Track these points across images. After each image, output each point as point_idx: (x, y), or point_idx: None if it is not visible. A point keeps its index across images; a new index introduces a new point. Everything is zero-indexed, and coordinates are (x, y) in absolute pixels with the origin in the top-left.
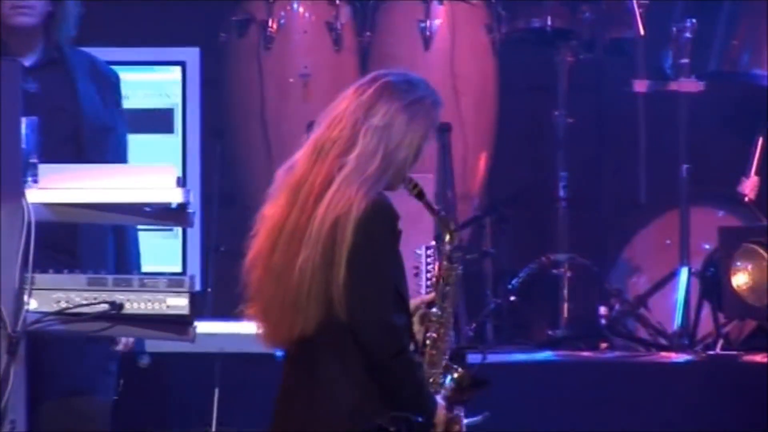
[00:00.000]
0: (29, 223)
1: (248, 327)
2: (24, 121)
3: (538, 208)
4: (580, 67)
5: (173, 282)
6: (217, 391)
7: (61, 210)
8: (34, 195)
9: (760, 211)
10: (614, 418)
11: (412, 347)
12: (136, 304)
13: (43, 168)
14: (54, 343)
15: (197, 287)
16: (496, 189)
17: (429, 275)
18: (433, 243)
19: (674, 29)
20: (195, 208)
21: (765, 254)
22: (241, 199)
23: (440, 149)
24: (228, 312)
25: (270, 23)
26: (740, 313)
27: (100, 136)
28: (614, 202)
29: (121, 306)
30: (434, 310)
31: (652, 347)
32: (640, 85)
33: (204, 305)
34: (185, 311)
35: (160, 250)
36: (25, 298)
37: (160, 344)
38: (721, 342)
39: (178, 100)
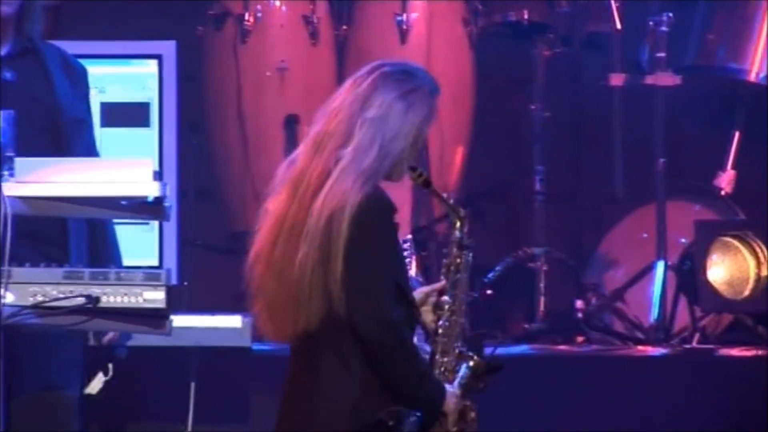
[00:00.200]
0: (5, 217)
1: (224, 321)
2: (1, 114)
3: (514, 202)
4: (557, 61)
5: (150, 276)
6: (193, 384)
7: (38, 204)
8: (10, 188)
9: (736, 204)
10: (590, 412)
11: (418, 337)
12: (112, 297)
13: (19, 162)
14: (26, 338)
15: (174, 281)
16: (473, 183)
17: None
18: (410, 236)
19: (651, 23)
20: (171, 201)
21: (741, 248)
22: (218, 192)
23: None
24: (204, 306)
25: (246, 17)
26: (717, 306)
27: (75, 128)
28: (591, 195)
29: (97, 299)
30: (446, 298)
31: (628, 341)
32: (617, 79)
33: (180, 299)
34: (162, 305)
35: (137, 244)
36: (2, 291)
37: (136, 338)
38: (697, 336)
39: (155, 93)
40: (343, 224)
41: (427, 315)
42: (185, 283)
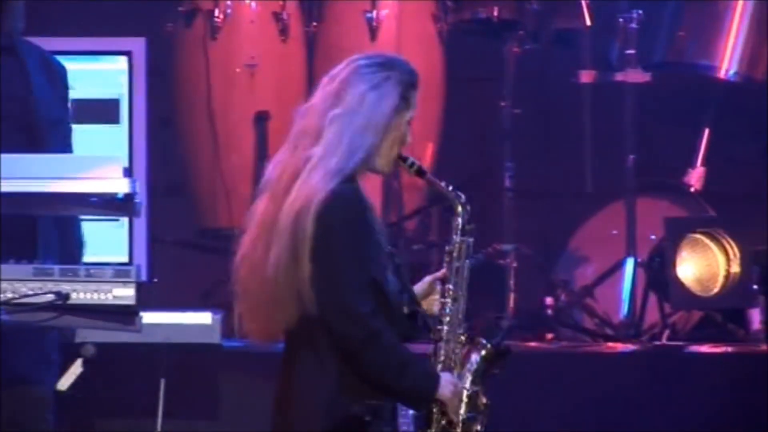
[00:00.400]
0: None
1: (194, 317)
2: None
3: (484, 199)
4: (527, 57)
5: (119, 272)
6: (163, 381)
7: (6, 200)
8: None
9: (706, 201)
10: (559, 409)
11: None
12: (82, 294)
13: None
14: None
15: (143, 277)
16: (443, 179)
17: None
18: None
19: (620, 20)
20: (141, 198)
21: (711, 245)
22: (188, 189)
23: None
24: (174, 302)
25: (216, 13)
26: (686, 303)
27: (52, 129)
28: (560, 192)
29: (67, 296)
30: (449, 285)
31: (598, 338)
32: (587, 76)
33: (150, 295)
34: (131, 301)
35: (107, 241)
36: None
37: (106, 334)
38: (667, 332)
39: (125, 90)
40: (308, 223)
41: (436, 304)
42: (155, 280)
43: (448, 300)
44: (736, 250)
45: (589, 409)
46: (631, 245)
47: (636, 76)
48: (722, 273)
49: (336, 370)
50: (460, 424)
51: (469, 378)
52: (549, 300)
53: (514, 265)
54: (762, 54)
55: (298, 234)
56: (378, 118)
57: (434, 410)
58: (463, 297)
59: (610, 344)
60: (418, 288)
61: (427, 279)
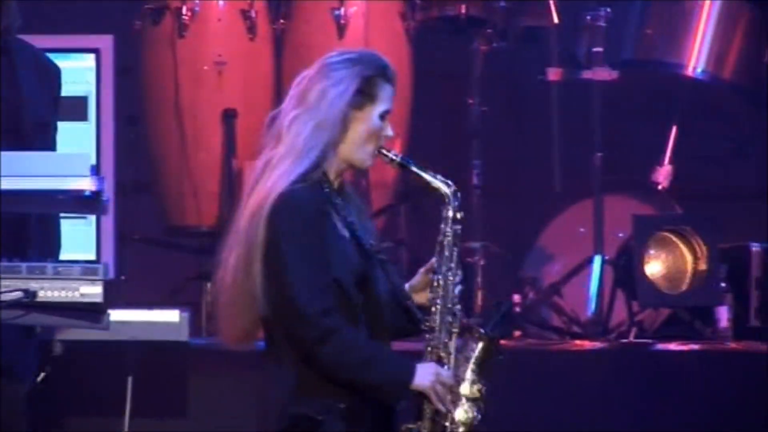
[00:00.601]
0: None
1: (162, 315)
2: None
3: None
4: (495, 55)
5: (87, 270)
6: (130, 379)
7: None
8: None
9: (673, 199)
10: (526, 406)
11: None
12: (49, 292)
13: None
14: None
15: (111, 275)
16: (411, 178)
17: None
18: None
19: (588, 18)
20: (109, 195)
21: (678, 242)
22: (156, 186)
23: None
24: (142, 300)
25: (184, 11)
26: (654, 301)
27: (38, 131)
28: (528, 190)
29: (34, 294)
30: (438, 276)
31: (565, 335)
32: (554, 74)
33: (118, 293)
34: (99, 299)
35: (74, 238)
36: None
37: (73, 332)
38: (634, 330)
39: (92, 87)
40: (260, 227)
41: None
42: (122, 278)
43: (438, 290)
44: (703, 248)
45: (556, 406)
46: (599, 243)
47: (604, 74)
48: (690, 271)
49: (295, 370)
50: (449, 414)
51: (468, 367)
52: (517, 297)
53: (482, 262)
54: (729, 52)
55: (250, 238)
56: (330, 114)
57: (424, 402)
58: (452, 285)
59: (578, 342)
60: (415, 281)
61: (421, 271)
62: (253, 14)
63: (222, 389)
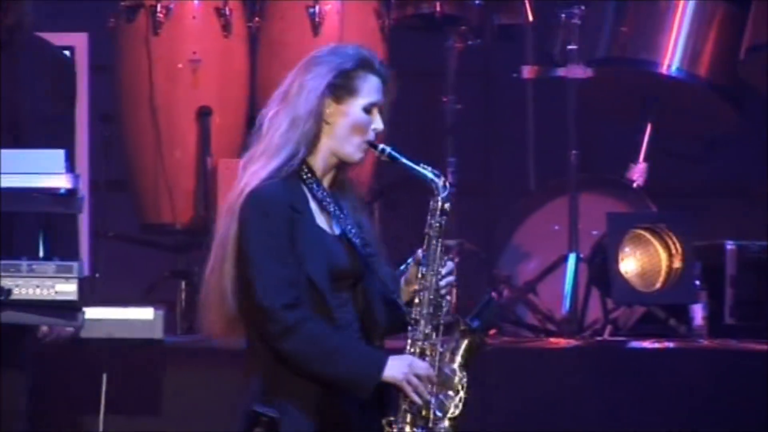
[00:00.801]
0: None
1: (136, 313)
2: None
3: (426, 194)
4: (469, 53)
5: (62, 268)
6: (105, 376)
7: None
8: None
9: (648, 197)
10: (501, 404)
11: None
12: (24, 289)
13: None
14: None
15: (86, 273)
16: (385, 174)
17: None
18: None
19: (563, 16)
20: (83, 193)
21: (653, 240)
22: (130, 184)
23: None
24: (116, 297)
25: (159, 9)
26: (628, 299)
27: (40, 127)
28: (503, 188)
29: (9, 292)
30: (422, 268)
31: (540, 333)
32: (529, 72)
33: (92, 291)
34: (74, 297)
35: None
36: None
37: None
38: (609, 328)
39: None
40: (231, 225)
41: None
42: (97, 275)
43: (423, 282)
44: (678, 245)
45: (530, 404)
46: (574, 241)
47: (578, 71)
48: (664, 269)
49: (262, 370)
50: (427, 405)
51: (455, 359)
52: (492, 295)
53: (457, 260)
54: (704, 50)
55: (223, 236)
56: (304, 109)
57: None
58: (432, 279)
59: (553, 340)
60: (409, 274)
61: (411, 263)
62: (227, 12)
63: (196, 387)
